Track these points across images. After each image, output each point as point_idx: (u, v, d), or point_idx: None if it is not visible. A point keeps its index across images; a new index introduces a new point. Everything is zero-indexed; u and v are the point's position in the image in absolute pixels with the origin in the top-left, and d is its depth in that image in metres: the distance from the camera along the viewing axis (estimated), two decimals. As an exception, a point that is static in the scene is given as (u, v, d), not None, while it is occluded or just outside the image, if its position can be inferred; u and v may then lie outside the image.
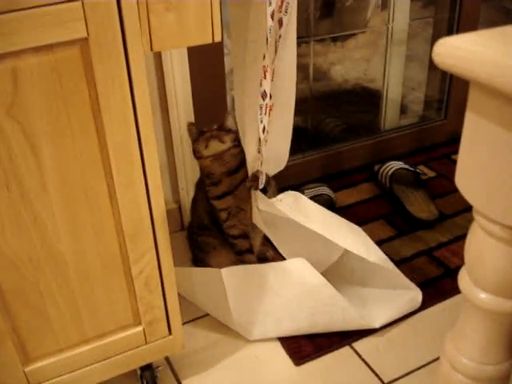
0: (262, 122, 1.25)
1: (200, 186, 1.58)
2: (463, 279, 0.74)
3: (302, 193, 1.46)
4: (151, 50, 0.93)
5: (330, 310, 1.39)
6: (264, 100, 1.22)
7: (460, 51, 0.56)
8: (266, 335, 1.45)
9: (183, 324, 1.25)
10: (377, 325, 1.45)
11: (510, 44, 0.57)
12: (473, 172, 0.64)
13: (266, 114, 1.24)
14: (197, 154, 1.45)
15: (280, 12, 1.15)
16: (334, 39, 2.44)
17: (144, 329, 1.18)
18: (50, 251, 1.01)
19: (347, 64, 2.54)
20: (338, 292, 1.37)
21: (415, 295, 1.51)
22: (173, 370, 1.38)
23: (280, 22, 1.16)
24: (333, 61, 2.49)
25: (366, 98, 2.46)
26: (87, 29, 0.85)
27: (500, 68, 0.52)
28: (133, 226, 1.04)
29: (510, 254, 0.66)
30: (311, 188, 1.94)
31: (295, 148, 2.05)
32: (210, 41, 0.97)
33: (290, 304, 1.41)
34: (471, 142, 0.64)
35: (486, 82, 0.54)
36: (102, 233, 1.03)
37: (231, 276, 1.37)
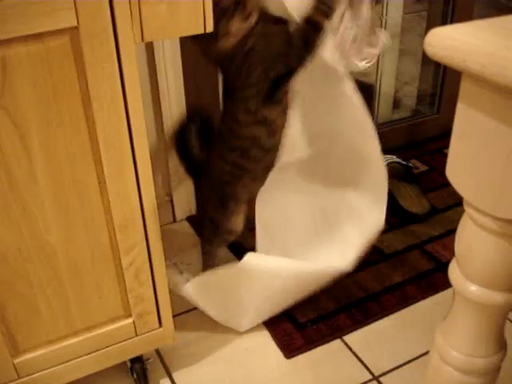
0: None
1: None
2: (454, 271, 0.74)
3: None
4: (142, 40, 0.92)
5: (302, 282, 1.42)
6: None
7: (452, 41, 0.56)
8: (254, 324, 1.46)
9: (174, 316, 1.24)
10: (349, 267, 1.44)
11: (502, 35, 0.57)
12: (464, 163, 0.64)
13: None
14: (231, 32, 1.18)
15: None
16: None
17: (134, 321, 1.17)
18: (40, 242, 1.00)
19: (341, 58, 2.53)
20: (299, 262, 1.39)
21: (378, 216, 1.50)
22: (163, 363, 1.38)
23: None
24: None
25: (360, 92, 2.45)
26: (77, 18, 0.84)
27: (491, 58, 0.52)
28: (123, 217, 1.03)
29: (501, 246, 0.66)
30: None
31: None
32: (202, 31, 0.96)
33: (263, 292, 1.41)
34: (462, 133, 0.63)
35: (477, 72, 0.53)
36: (92, 224, 1.03)
37: (198, 286, 1.38)
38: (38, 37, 0.83)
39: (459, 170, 0.65)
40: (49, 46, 0.85)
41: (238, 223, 1.44)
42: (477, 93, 0.59)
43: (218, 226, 1.45)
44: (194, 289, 1.37)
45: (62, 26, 0.84)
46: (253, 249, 1.40)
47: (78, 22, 0.84)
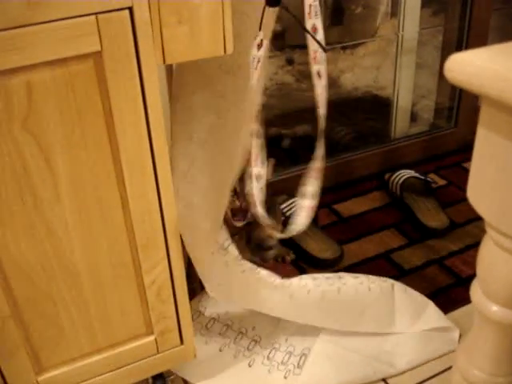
0: None
1: None
2: (475, 292, 0.74)
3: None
4: (164, 62, 0.93)
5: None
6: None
7: (471, 67, 0.57)
8: None
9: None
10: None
11: (521, 59, 0.57)
12: (484, 186, 0.65)
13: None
14: None
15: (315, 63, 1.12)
16: (344, 47, 2.45)
17: (156, 338, 1.18)
18: (63, 261, 1.01)
19: (357, 71, 2.55)
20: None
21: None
22: (184, 379, 1.38)
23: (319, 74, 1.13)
24: (342, 68, 2.50)
25: (376, 106, 2.46)
26: (101, 42, 0.86)
27: (510, 84, 0.53)
28: (145, 236, 1.05)
29: (522, 267, 0.66)
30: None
31: (305, 157, 2.06)
32: (222, 53, 0.98)
33: None
34: (483, 156, 0.64)
35: (496, 97, 0.54)
36: (115, 243, 1.04)
37: None
38: (62, 61, 0.85)
39: (480, 192, 0.66)
40: (73, 70, 0.86)
41: None
42: (496, 116, 0.60)
43: None
44: None
45: (86, 50, 0.86)
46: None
47: (101, 47, 0.86)
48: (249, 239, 1.55)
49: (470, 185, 0.67)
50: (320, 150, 1.17)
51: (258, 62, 1.09)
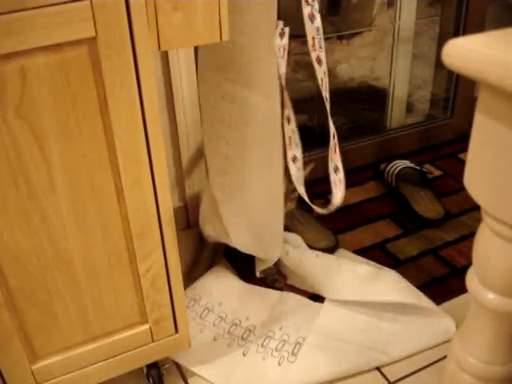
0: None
1: None
2: (471, 280, 0.74)
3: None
4: (159, 49, 0.93)
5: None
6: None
7: (470, 52, 0.56)
8: None
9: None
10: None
11: (520, 45, 0.57)
12: (481, 173, 0.64)
13: None
14: None
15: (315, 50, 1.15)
16: (340, 37, 2.44)
17: (151, 327, 1.18)
18: (58, 249, 1.01)
19: (353, 62, 2.54)
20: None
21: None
22: (179, 368, 1.38)
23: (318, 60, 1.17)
24: (338, 59, 2.49)
25: (372, 97, 2.46)
26: (95, 28, 0.85)
27: (509, 69, 0.52)
28: (140, 224, 1.04)
29: (519, 254, 0.66)
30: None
31: (302, 146, 2.06)
32: (217, 40, 0.97)
33: None
34: (480, 142, 0.63)
35: (495, 83, 0.54)
36: (110, 231, 1.03)
37: None
38: (56, 47, 0.84)
39: (477, 179, 0.65)
40: (67, 56, 0.86)
41: None
42: (494, 103, 0.59)
43: None
44: None
45: (80, 36, 0.85)
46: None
47: (96, 33, 0.85)
48: None
49: (467, 172, 0.67)
50: (331, 129, 1.23)
51: (284, 50, 1.12)
